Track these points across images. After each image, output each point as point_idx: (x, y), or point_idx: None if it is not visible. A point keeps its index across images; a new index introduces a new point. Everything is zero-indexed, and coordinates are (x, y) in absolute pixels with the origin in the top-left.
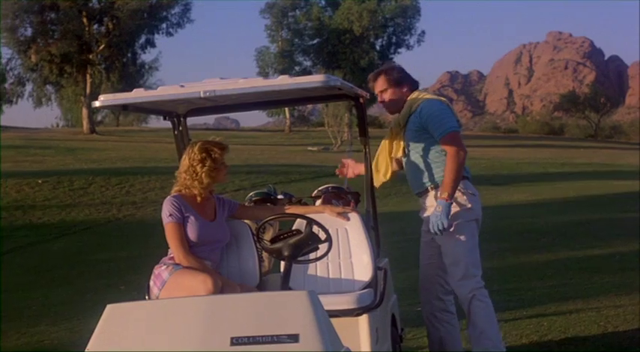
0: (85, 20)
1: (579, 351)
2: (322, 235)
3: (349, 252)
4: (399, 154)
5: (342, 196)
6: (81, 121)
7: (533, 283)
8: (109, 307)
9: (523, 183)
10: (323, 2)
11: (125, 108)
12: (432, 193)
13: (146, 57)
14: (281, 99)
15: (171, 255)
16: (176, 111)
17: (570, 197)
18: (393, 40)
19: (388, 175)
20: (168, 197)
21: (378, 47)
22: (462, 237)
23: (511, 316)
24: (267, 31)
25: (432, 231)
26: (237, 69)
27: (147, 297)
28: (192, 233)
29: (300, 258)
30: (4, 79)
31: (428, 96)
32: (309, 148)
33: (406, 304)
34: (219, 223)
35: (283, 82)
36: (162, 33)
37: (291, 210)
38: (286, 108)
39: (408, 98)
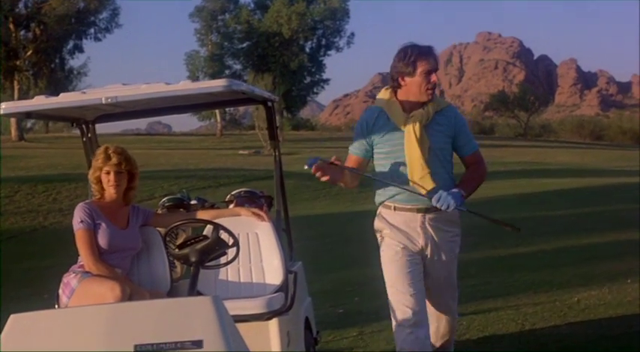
0: (11, 26)
1: (496, 350)
2: (230, 240)
3: (260, 256)
4: (426, 156)
5: (255, 200)
6: (9, 128)
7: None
8: (11, 317)
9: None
10: (252, 5)
11: (29, 115)
12: (444, 214)
13: (74, 62)
14: (189, 104)
15: (81, 263)
16: (84, 118)
17: (498, 195)
18: (323, 42)
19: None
20: (80, 203)
21: (307, 49)
22: (456, 260)
23: None
24: (197, 34)
25: (439, 204)
26: (167, 73)
27: (56, 306)
28: (102, 240)
29: (208, 264)
30: None
31: (446, 102)
32: (240, 152)
33: (328, 306)
34: (131, 231)
35: (185, 87)
36: (91, 38)
37: (203, 214)
38: (217, 112)
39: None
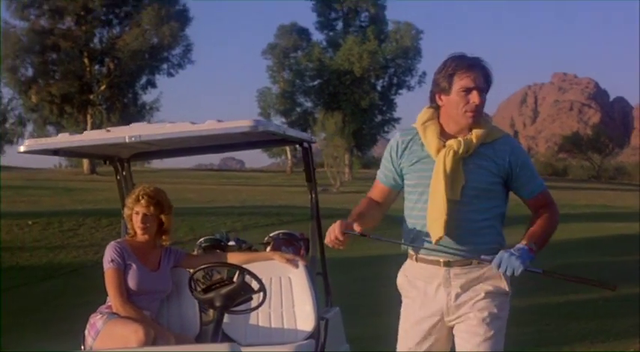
0: (86, 61)
1: None
2: (255, 285)
3: (292, 301)
4: (455, 196)
5: (293, 242)
6: (82, 161)
7: (509, 330)
8: None
9: (520, 225)
10: (324, 43)
11: (57, 153)
12: (475, 269)
13: (147, 97)
14: (226, 143)
15: (109, 304)
16: (118, 156)
17: (565, 239)
18: (394, 80)
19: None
20: (112, 242)
21: (379, 88)
22: (501, 337)
23: None
24: (269, 71)
25: (502, 270)
26: (238, 109)
27: (82, 347)
28: (132, 281)
29: (233, 308)
30: (4, 119)
31: (502, 131)
32: None
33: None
34: (162, 273)
35: (210, 126)
36: (164, 73)
37: (238, 257)
38: (287, 149)
39: (480, 120)
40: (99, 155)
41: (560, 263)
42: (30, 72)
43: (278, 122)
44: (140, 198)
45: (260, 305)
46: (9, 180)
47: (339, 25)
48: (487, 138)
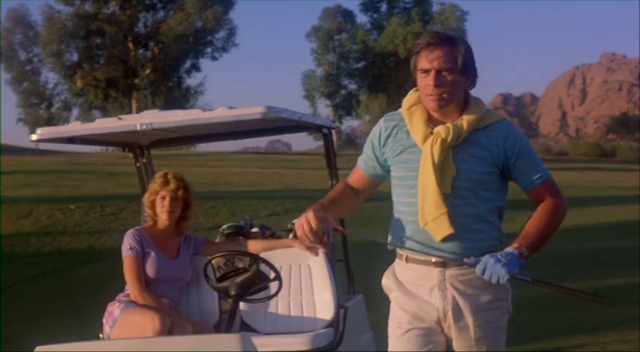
0: (130, 45)
1: None
2: (271, 273)
3: (311, 289)
4: (446, 190)
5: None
6: None
7: (546, 315)
8: (36, 349)
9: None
10: (368, 25)
11: (72, 141)
12: (474, 270)
13: (191, 81)
14: (245, 129)
15: (127, 292)
16: (138, 143)
17: (611, 222)
18: None
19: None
20: (130, 229)
21: None
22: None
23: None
24: (314, 54)
25: (487, 277)
26: (284, 92)
27: (100, 335)
28: (150, 269)
29: (249, 297)
30: (50, 104)
31: (498, 115)
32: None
33: None
34: (181, 261)
35: (222, 114)
36: (208, 57)
37: (257, 244)
38: (334, 131)
39: (469, 105)
40: (117, 142)
41: (605, 246)
42: (75, 57)
43: (323, 105)
44: (169, 180)
45: (276, 294)
46: (53, 164)
47: (384, 6)
48: (480, 124)
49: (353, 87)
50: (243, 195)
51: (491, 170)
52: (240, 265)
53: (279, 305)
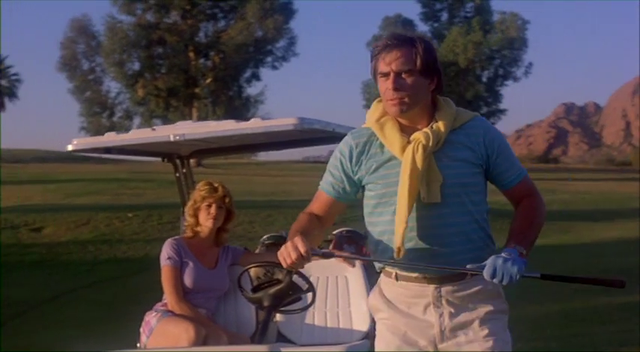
0: (191, 54)
1: None
2: (304, 285)
3: (348, 301)
4: (435, 198)
5: (356, 240)
6: None
7: (596, 328)
8: None
9: (624, 219)
10: (429, 35)
11: (109, 151)
12: (470, 284)
13: (252, 90)
14: (282, 140)
15: (165, 301)
16: (178, 153)
17: None
18: (500, 72)
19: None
20: (169, 239)
21: (484, 79)
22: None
23: None
24: None
25: (498, 279)
26: (343, 101)
27: (138, 344)
28: (188, 279)
29: (283, 308)
30: (112, 113)
31: (471, 112)
32: None
33: None
34: (219, 272)
35: (255, 124)
36: (268, 66)
37: None
38: None
39: (440, 106)
40: (156, 153)
41: None
42: (136, 66)
43: None
44: (217, 188)
45: (310, 305)
46: (115, 172)
47: (444, 16)
48: (455, 123)
49: None
50: (301, 205)
51: (476, 170)
52: (279, 276)
53: (316, 317)
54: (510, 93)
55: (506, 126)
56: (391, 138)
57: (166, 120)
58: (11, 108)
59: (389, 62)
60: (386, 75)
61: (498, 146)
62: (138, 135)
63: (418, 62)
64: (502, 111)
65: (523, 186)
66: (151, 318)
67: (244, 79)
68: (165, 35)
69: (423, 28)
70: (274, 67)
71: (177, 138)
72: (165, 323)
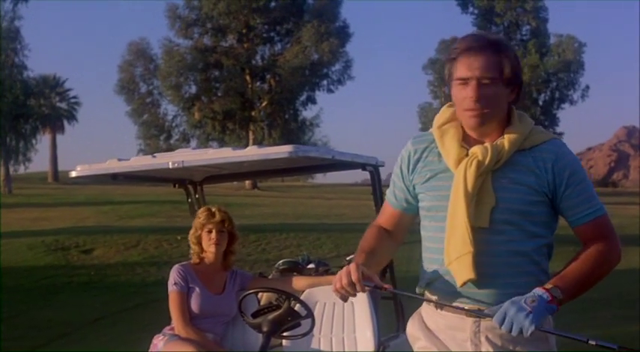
0: (247, 78)
1: None
2: (304, 311)
3: (353, 326)
4: (483, 222)
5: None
6: None
7: None
8: None
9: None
10: None
11: (115, 177)
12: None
13: (307, 113)
14: (291, 166)
15: (172, 325)
16: (191, 179)
17: None
18: (556, 95)
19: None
20: (176, 265)
21: (540, 102)
22: None
23: None
24: (430, 86)
25: (505, 328)
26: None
27: None
28: (194, 304)
29: (283, 334)
30: (169, 136)
31: (548, 134)
32: None
33: None
34: (226, 297)
35: (251, 152)
36: (323, 90)
37: (301, 281)
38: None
39: (512, 121)
40: (166, 178)
41: None
42: (193, 89)
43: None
44: (215, 213)
45: (309, 331)
46: (170, 194)
47: None
48: (525, 143)
49: None
50: (351, 228)
51: (539, 199)
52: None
53: (322, 342)
54: (570, 116)
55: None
56: (449, 147)
57: (223, 143)
58: (70, 130)
59: (473, 67)
60: (466, 81)
61: (570, 176)
62: (139, 162)
63: (506, 70)
64: (559, 135)
65: (594, 227)
66: (158, 341)
67: (300, 102)
68: (221, 58)
69: None
70: (330, 90)
71: (176, 165)
72: (169, 347)
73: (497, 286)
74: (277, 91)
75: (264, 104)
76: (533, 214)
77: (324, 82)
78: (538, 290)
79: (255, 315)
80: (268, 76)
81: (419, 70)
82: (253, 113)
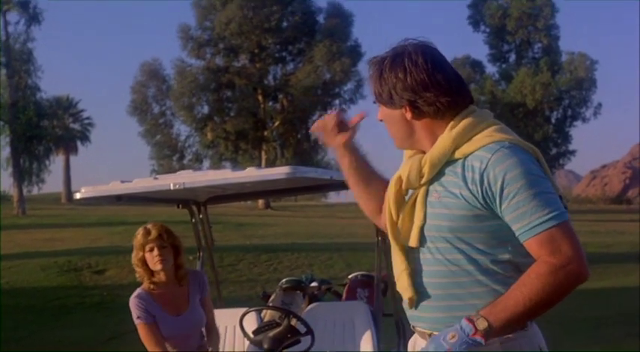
0: (260, 97)
1: None
2: (304, 329)
3: (354, 344)
4: (411, 243)
5: (370, 284)
6: None
7: None
8: None
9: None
10: (496, 76)
11: (120, 199)
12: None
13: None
14: (290, 187)
15: None
16: (195, 199)
17: None
18: (569, 112)
19: None
20: (132, 297)
21: (552, 120)
22: None
23: None
24: None
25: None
26: None
27: None
28: (163, 330)
29: (284, 351)
30: (182, 156)
31: (498, 134)
32: None
33: None
34: (191, 311)
35: (249, 173)
36: (336, 109)
37: None
38: None
39: (449, 127)
40: (171, 199)
41: None
42: (206, 109)
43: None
44: (149, 230)
45: (309, 348)
46: (183, 215)
47: (512, 57)
48: (457, 153)
49: None
50: (363, 247)
51: (476, 212)
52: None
53: None
54: (583, 134)
55: (580, 166)
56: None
57: (236, 163)
58: (83, 151)
59: (375, 79)
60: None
61: (502, 187)
62: (141, 183)
63: (383, 88)
64: (572, 152)
65: (538, 243)
66: None
67: (312, 122)
68: (234, 78)
69: (491, 69)
70: (342, 110)
71: (177, 186)
72: None
73: (441, 308)
74: (289, 111)
75: (276, 124)
76: (470, 230)
77: (337, 102)
78: (463, 322)
79: (256, 333)
80: (280, 96)
81: None
82: (266, 133)
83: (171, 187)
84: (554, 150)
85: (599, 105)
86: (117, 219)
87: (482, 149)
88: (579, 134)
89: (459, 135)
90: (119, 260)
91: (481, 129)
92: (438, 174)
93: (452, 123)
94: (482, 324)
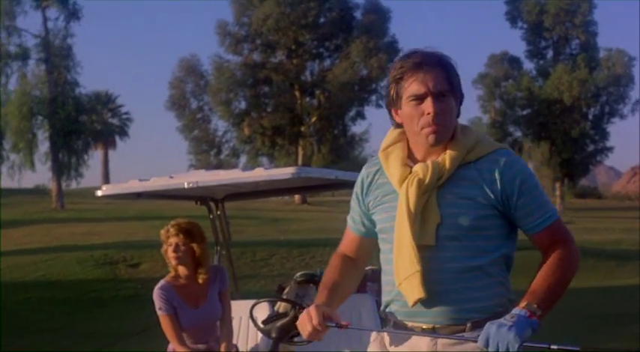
0: (297, 93)
1: None
2: None
3: (360, 335)
4: (428, 241)
5: (380, 278)
6: None
7: None
8: None
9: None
10: (534, 72)
11: (140, 196)
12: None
13: (356, 129)
14: (306, 185)
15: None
16: (213, 196)
17: None
18: (606, 109)
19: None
20: (156, 288)
21: (590, 117)
22: None
23: None
24: (480, 101)
25: (492, 349)
26: None
27: None
28: (182, 322)
29: (289, 340)
30: (219, 151)
31: (496, 142)
32: None
33: None
34: (209, 304)
35: (257, 173)
36: (372, 105)
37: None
38: None
39: (455, 135)
40: (190, 196)
41: None
42: (243, 105)
43: None
44: (170, 228)
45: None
46: None
47: (550, 53)
48: (469, 156)
49: (518, 134)
50: None
51: (488, 212)
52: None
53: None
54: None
55: (621, 163)
56: (393, 168)
57: (272, 159)
58: (122, 146)
59: (424, 80)
60: (420, 98)
61: (521, 184)
62: (158, 182)
63: (455, 84)
64: (609, 149)
65: (550, 233)
66: None
67: (349, 118)
68: (271, 74)
69: (528, 65)
70: (379, 106)
71: (191, 185)
72: None
73: (450, 303)
74: (326, 107)
75: (313, 119)
76: (483, 228)
77: (373, 97)
78: (514, 310)
79: (265, 322)
80: (317, 92)
81: (468, 84)
82: (302, 129)
83: (186, 186)
84: (591, 147)
85: (637, 101)
86: (154, 214)
87: (493, 153)
88: (620, 130)
89: (472, 139)
90: (154, 253)
91: (479, 136)
92: (453, 175)
93: (459, 129)
94: (532, 308)
